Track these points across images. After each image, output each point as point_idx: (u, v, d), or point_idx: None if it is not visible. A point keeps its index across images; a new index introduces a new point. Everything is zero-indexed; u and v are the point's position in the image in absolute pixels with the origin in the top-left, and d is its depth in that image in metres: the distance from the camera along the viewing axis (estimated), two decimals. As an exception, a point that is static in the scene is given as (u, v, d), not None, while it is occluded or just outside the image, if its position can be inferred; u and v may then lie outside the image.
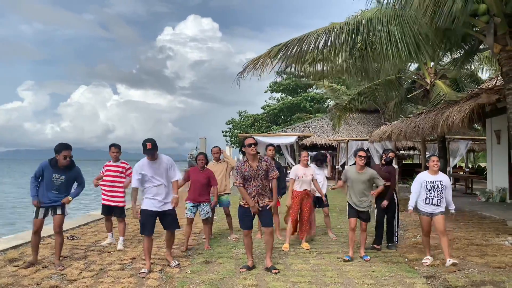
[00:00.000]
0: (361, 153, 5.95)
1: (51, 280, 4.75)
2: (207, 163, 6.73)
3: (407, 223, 8.72)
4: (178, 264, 5.28)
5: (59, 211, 5.45)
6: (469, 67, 12.07)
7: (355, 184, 5.90)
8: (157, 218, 5.38)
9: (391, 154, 6.85)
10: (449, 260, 5.44)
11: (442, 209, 5.53)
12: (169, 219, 5.39)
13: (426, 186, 5.52)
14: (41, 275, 4.88)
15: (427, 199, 5.52)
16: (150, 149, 5.20)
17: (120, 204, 6.59)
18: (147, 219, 5.27)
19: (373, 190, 6.15)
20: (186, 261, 5.70)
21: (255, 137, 17.89)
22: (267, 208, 5.37)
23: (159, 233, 7.52)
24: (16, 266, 5.26)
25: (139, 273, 5.09)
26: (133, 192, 5.34)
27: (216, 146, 7.52)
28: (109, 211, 6.67)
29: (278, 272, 5.12)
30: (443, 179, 5.55)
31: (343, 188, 6.24)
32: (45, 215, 5.42)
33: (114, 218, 6.89)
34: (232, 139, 42.66)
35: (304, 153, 7.02)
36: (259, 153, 5.50)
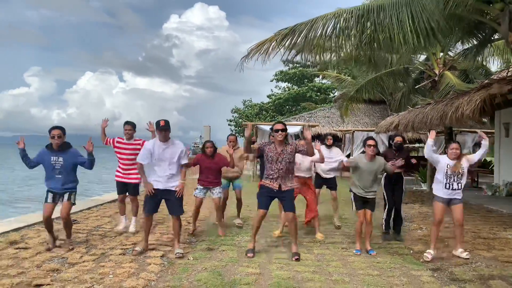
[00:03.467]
0: (370, 142, 5.68)
1: (52, 263, 4.69)
2: (215, 149, 6.52)
3: (412, 215, 8.60)
4: (181, 253, 5.15)
5: (66, 198, 5.34)
6: (480, 58, 11.79)
7: (364, 174, 5.67)
8: (163, 200, 5.32)
9: (397, 139, 6.68)
10: (461, 251, 5.33)
11: (461, 195, 5.33)
12: (173, 201, 5.27)
13: (447, 170, 5.28)
14: (42, 258, 4.83)
15: (447, 184, 5.29)
16: (164, 125, 5.16)
17: (135, 181, 6.41)
18: (150, 198, 5.24)
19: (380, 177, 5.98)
20: (189, 247, 5.63)
21: (260, 126, 17.69)
22: (290, 193, 5.28)
23: (161, 219, 7.49)
24: (16, 249, 5.21)
25: (132, 250, 5.14)
26: (140, 168, 5.37)
27: (233, 134, 7.23)
28: (123, 189, 6.47)
29: (298, 260, 5.08)
30: (463, 163, 5.32)
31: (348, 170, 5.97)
32: (53, 200, 5.32)
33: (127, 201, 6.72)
34: (237, 128, 42.53)
35: (301, 142, 6.85)
36: (287, 141, 5.34)
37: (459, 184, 5.30)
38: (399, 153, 6.56)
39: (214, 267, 4.72)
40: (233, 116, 43.63)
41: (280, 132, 5.21)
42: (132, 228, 6.39)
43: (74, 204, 5.45)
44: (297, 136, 19.20)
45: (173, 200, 5.28)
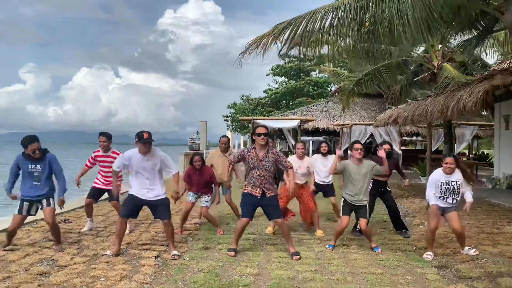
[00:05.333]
0: (357, 145, 5.52)
1: (41, 266, 4.48)
2: (203, 163, 6.37)
3: (413, 210, 8.45)
4: (178, 255, 4.93)
5: (45, 204, 5.10)
6: (479, 50, 11.61)
7: (355, 178, 5.46)
8: (147, 206, 5.10)
9: (385, 146, 6.41)
10: (468, 248, 5.17)
11: (455, 204, 5.16)
12: (160, 209, 5.01)
13: (441, 187, 5.10)
14: (30, 261, 4.61)
15: (442, 197, 5.15)
16: (148, 138, 4.85)
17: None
18: (130, 202, 4.99)
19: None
20: (185, 246, 5.44)
21: (258, 121, 17.53)
22: (273, 199, 5.11)
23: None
24: (4, 251, 4.99)
25: (102, 255, 4.84)
26: (114, 175, 5.23)
27: (225, 136, 7.02)
28: (96, 195, 6.29)
29: (299, 259, 4.90)
30: (459, 177, 5.11)
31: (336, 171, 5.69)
32: (28, 211, 5.09)
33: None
34: (233, 124, 42.29)
35: (299, 145, 6.60)
36: (270, 143, 5.20)
37: (454, 200, 5.13)
38: (389, 160, 6.36)
39: (211, 268, 4.53)
40: (230, 113, 43.32)
41: (262, 136, 5.02)
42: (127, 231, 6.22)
43: (54, 207, 5.18)
44: (294, 131, 19.03)
45: (159, 207, 5.01)
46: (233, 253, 5.05)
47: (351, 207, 5.52)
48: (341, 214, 5.63)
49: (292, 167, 5.23)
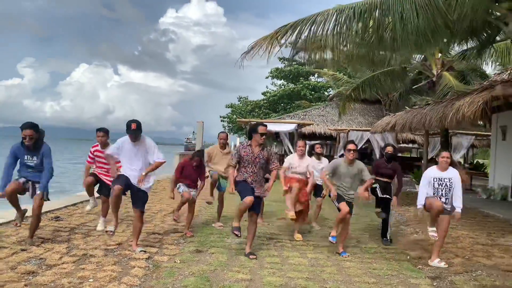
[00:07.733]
0: (351, 146, 5.45)
1: (29, 264, 4.38)
2: (201, 163, 6.33)
3: (408, 218, 8.40)
4: (143, 251, 4.99)
5: (38, 191, 5.08)
6: (481, 59, 11.61)
7: (344, 177, 5.48)
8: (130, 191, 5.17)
9: (388, 149, 6.33)
10: (438, 261, 5.11)
11: (449, 207, 5.12)
12: (138, 196, 5.14)
13: (434, 183, 5.08)
14: (18, 259, 4.50)
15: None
16: (135, 129, 4.96)
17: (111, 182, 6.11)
18: (123, 177, 5.04)
19: (361, 184, 5.59)
20: (176, 249, 5.34)
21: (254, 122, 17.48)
22: (260, 197, 5.21)
23: (149, 217, 7.21)
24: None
25: (105, 231, 5.15)
26: (109, 158, 5.31)
27: (224, 132, 7.12)
28: (96, 178, 6.13)
29: (256, 258, 5.00)
30: (453, 175, 5.08)
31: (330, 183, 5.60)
32: (24, 183, 5.10)
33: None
34: (230, 125, 42.08)
35: (300, 143, 6.49)
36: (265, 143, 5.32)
37: (447, 200, 5.07)
38: (391, 164, 6.31)
39: (202, 272, 4.44)
40: (227, 114, 43.09)
41: (264, 137, 5.14)
42: (100, 227, 6.13)
43: (46, 200, 5.20)
44: (291, 134, 18.97)
45: (139, 193, 5.14)
46: (238, 233, 5.10)
47: (344, 199, 5.49)
48: (336, 203, 5.50)
49: (277, 169, 5.30)
